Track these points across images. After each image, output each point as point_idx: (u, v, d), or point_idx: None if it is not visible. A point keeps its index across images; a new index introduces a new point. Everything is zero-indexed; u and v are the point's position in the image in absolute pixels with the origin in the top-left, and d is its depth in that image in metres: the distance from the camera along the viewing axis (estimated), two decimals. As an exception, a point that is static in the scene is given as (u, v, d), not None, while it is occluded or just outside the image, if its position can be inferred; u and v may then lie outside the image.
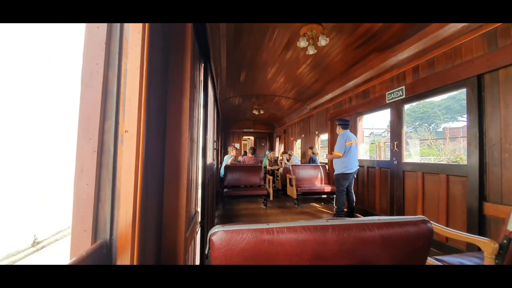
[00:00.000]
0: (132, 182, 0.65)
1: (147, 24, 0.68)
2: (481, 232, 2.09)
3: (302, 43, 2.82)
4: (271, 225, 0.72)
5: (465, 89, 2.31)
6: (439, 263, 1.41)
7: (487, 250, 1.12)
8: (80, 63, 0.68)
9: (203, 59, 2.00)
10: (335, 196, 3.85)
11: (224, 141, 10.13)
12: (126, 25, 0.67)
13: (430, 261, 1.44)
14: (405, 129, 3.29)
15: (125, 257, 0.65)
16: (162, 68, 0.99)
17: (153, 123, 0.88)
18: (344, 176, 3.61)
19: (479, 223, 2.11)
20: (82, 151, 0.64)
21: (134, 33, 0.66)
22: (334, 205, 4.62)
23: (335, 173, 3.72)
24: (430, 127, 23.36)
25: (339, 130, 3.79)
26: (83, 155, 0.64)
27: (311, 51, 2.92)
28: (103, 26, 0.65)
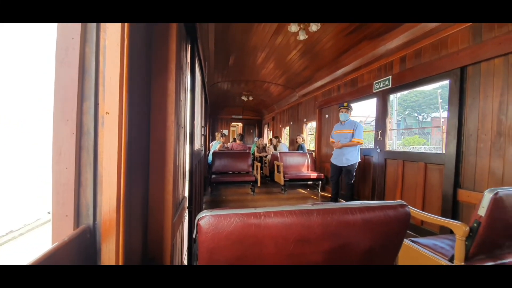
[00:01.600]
0: (115, 166, 0.63)
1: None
2: (454, 216, 2.24)
3: (293, 28, 2.76)
4: (258, 210, 0.73)
5: (448, 80, 2.38)
6: (415, 245, 1.51)
7: (459, 233, 1.21)
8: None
9: (190, 40, 1.91)
10: (347, 186, 3.48)
11: (212, 127, 10.00)
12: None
13: (407, 243, 1.54)
14: (389, 118, 3.38)
15: (110, 242, 0.64)
16: (145, 47, 0.93)
17: (136, 105, 0.84)
18: (358, 164, 3.47)
19: (453, 208, 2.27)
20: (60, 134, 0.61)
21: (114, 6, 0.61)
22: (318, 190, 4.77)
23: (353, 162, 3.38)
24: (420, 117, 23.87)
25: (350, 115, 3.52)
26: (60, 138, 0.61)
27: (302, 36, 2.87)
28: (78, -3, 0.59)
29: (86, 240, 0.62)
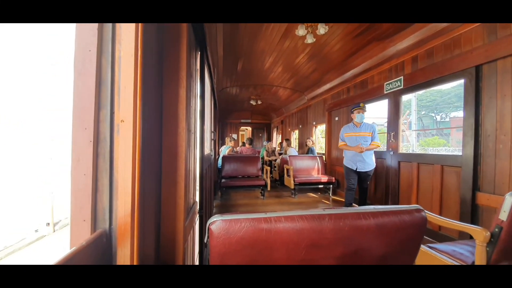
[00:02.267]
0: (129, 172, 0.65)
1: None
2: (473, 221, 2.15)
3: (301, 31, 2.76)
4: (269, 214, 0.73)
5: (463, 79, 2.31)
6: (432, 251, 1.45)
7: (479, 238, 1.16)
8: (73, 50, 0.66)
9: (199, 47, 1.95)
10: (363, 191, 3.36)
11: (221, 131, 10.09)
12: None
13: (424, 249, 1.49)
14: (402, 120, 3.30)
15: (125, 246, 0.66)
16: (157, 56, 0.96)
17: (149, 113, 0.86)
18: None
19: (472, 212, 2.17)
20: (78, 141, 0.64)
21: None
22: (330, 194, 4.69)
23: (373, 167, 3.26)
24: (438, 117, 22.64)
25: (364, 116, 3.31)
26: (78, 145, 0.64)
27: (309, 39, 2.87)
28: (95, 11, 0.62)
29: (103, 244, 0.64)
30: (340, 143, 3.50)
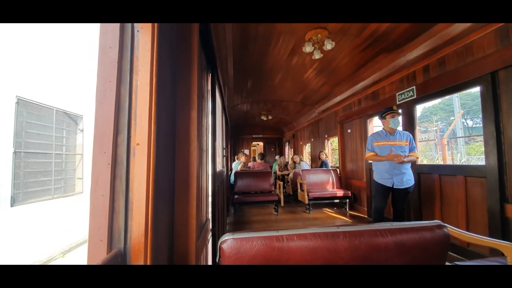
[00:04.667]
0: (144, 192, 0.68)
1: (155, 42, 0.72)
2: (505, 236, 1.98)
3: (308, 48, 2.83)
4: (281, 232, 0.72)
5: (479, 87, 2.24)
6: (460, 270, 1.34)
7: (511, 255, 1.07)
8: (94, 81, 0.72)
9: (210, 69, 2.05)
10: (399, 213, 2.71)
11: (233, 147, 10.20)
12: (136, 43, 0.71)
13: (450, 267, 1.38)
14: (418, 130, 3.20)
15: (138, 266, 0.67)
16: (170, 82, 1.03)
17: (163, 135, 0.91)
18: None
19: (502, 226, 2.01)
20: (97, 164, 0.68)
21: (144, 52, 0.70)
22: (346, 209, 4.51)
23: (413, 182, 2.65)
24: (470, 122, 20.03)
25: (400, 121, 2.81)
26: (98, 168, 0.68)
27: (317, 55, 2.93)
28: (115, 46, 0.69)
29: (118, 264, 0.66)
30: (368, 153, 2.82)
